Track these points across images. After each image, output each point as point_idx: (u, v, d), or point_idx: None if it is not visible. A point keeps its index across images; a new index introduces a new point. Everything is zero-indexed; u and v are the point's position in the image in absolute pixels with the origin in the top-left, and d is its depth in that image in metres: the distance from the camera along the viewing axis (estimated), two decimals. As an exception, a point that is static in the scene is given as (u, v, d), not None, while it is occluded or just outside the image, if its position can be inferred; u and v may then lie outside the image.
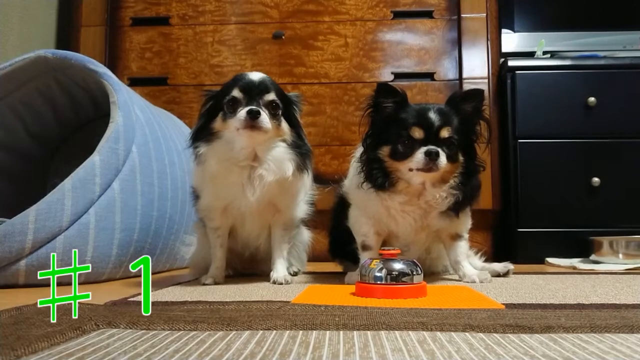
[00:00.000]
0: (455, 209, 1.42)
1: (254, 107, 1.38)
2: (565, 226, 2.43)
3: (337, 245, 1.75)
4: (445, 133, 1.36)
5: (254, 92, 1.42)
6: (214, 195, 1.52)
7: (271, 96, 1.44)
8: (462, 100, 1.42)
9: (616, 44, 2.67)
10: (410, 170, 1.36)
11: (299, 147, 1.48)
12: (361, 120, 1.44)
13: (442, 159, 1.33)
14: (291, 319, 0.80)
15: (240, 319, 0.81)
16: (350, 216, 1.54)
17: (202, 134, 1.46)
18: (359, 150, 1.47)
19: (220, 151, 1.43)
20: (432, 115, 1.36)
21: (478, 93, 1.44)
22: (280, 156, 1.45)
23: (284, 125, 1.48)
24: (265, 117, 1.39)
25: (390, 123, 1.40)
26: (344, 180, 1.61)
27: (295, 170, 1.46)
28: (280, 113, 1.46)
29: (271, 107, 1.43)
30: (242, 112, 1.38)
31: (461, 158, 1.40)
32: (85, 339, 0.70)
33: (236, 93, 1.42)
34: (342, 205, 1.58)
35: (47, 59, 1.75)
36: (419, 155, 1.33)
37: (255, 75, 1.47)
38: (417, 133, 1.35)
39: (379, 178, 1.39)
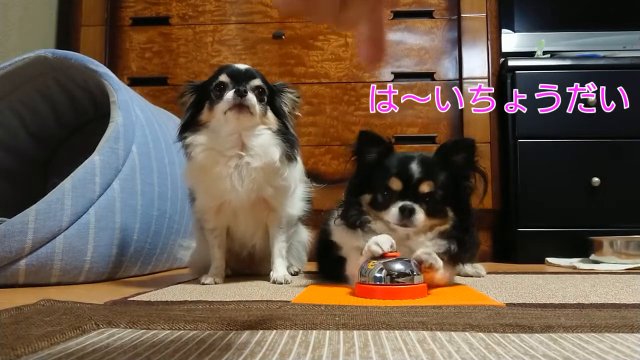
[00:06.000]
0: (447, 257, 1.29)
1: (240, 87, 1.41)
2: (565, 226, 2.42)
3: (327, 270, 1.59)
4: (425, 188, 1.26)
5: (240, 77, 1.46)
6: (206, 193, 1.53)
7: (257, 82, 1.48)
8: (452, 151, 1.32)
9: (616, 44, 2.67)
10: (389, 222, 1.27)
11: (285, 134, 1.50)
12: (346, 166, 1.36)
13: (418, 215, 1.24)
14: (291, 319, 0.80)
15: (240, 319, 0.81)
16: (347, 268, 1.35)
17: (190, 126, 1.49)
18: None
19: (207, 140, 1.45)
20: (414, 167, 1.27)
21: (468, 143, 1.33)
22: (265, 142, 1.47)
23: (270, 114, 1.50)
24: (252, 97, 1.43)
25: (374, 170, 1.32)
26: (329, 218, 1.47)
27: (283, 158, 1.47)
28: (266, 100, 1.49)
29: (257, 92, 1.47)
30: (230, 93, 1.42)
31: (450, 213, 1.29)
32: (85, 338, 0.69)
33: (223, 78, 1.46)
34: (325, 242, 1.46)
35: (47, 59, 1.75)
36: (394, 209, 1.25)
37: (241, 65, 1.52)
38: (395, 185, 1.27)
39: (353, 217, 1.30)
